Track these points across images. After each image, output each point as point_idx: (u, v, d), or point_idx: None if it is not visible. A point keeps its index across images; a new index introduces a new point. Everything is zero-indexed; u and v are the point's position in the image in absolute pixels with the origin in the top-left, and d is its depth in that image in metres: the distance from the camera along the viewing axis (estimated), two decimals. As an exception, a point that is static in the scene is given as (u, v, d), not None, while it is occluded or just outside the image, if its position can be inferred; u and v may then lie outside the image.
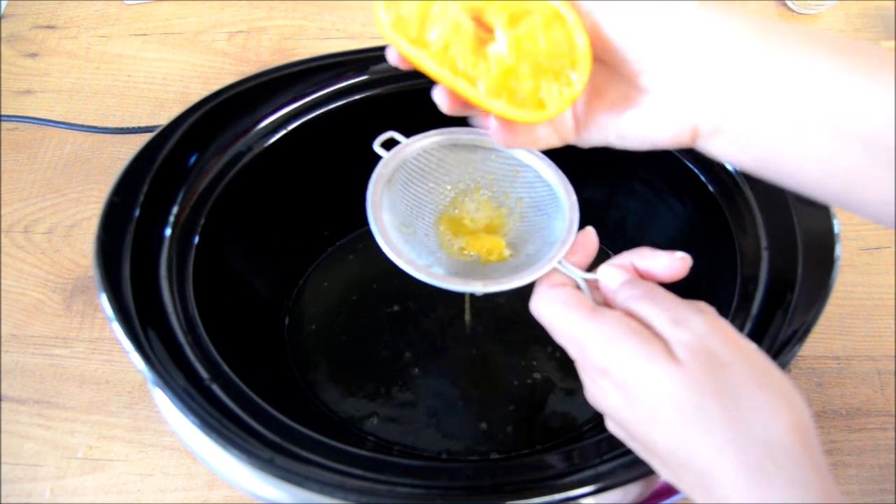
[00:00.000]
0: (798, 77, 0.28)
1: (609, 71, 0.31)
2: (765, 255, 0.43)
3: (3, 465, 0.52)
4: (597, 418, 0.49)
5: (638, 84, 0.31)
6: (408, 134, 0.38)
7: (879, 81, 0.27)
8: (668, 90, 0.30)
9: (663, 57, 0.29)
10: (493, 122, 0.32)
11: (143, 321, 0.39)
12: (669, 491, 0.38)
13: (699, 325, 0.29)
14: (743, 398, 0.27)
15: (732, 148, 0.31)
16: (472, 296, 0.56)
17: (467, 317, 0.56)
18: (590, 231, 0.36)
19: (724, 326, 0.30)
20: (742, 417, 0.27)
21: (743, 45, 0.28)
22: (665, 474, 0.31)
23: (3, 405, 0.54)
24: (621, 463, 0.36)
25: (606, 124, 0.33)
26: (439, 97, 0.31)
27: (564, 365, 0.53)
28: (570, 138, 0.34)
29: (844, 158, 0.28)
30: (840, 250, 0.42)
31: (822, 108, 0.28)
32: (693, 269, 0.33)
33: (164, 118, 0.62)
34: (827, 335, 0.56)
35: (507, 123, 0.32)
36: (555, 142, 0.34)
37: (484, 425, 0.51)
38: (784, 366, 0.39)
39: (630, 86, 0.31)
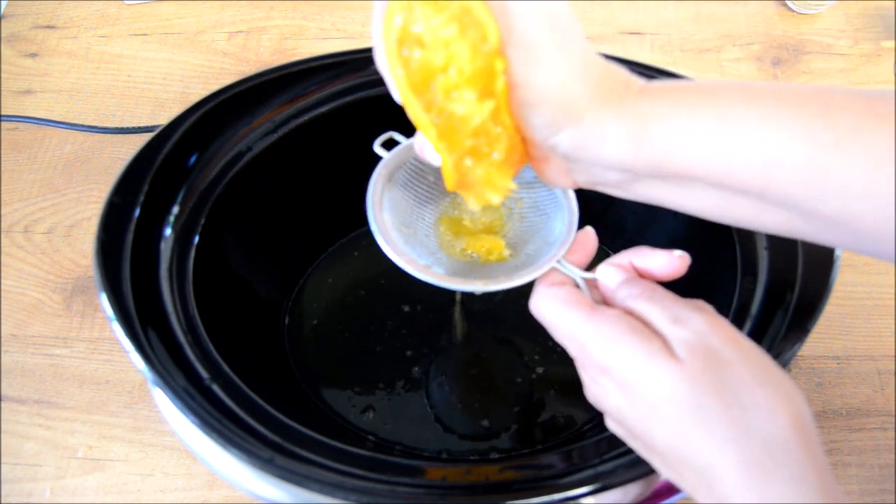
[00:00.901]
0: (672, 150, 0.28)
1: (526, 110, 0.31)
2: (765, 255, 0.43)
3: (3, 465, 0.52)
4: (597, 418, 0.49)
5: (532, 136, 0.31)
6: (408, 134, 0.38)
7: (757, 129, 0.27)
8: (552, 151, 0.31)
9: (546, 124, 0.29)
10: None
11: (143, 321, 0.39)
12: (669, 490, 0.38)
13: (699, 323, 0.29)
14: (743, 396, 0.27)
15: (617, 194, 0.33)
16: (465, 299, 0.56)
17: (457, 321, 0.56)
18: (589, 231, 0.36)
19: (724, 324, 0.30)
20: (742, 415, 0.27)
21: (614, 139, 0.29)
22: (665, 472, 0.31)
23: (3, 405, 0.54)
24: (621, 463, 0.36)
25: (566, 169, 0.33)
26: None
27: (564, 364, 0.53)
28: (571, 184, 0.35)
29: (734, 204, 0.30)
30: (840, 250, 0.42)
31: (705, 166, 0.28)
32: (693, 269, 0.33)
33: (164, 118, 0.62)
34: (827, 335, 0.56)
35: None
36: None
37: (484, 424, 0.51)
38: (784, 366, 0.39)
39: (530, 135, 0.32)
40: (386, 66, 0.28)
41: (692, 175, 0.29)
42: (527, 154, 0.32)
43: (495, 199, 0.33)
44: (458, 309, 0.55)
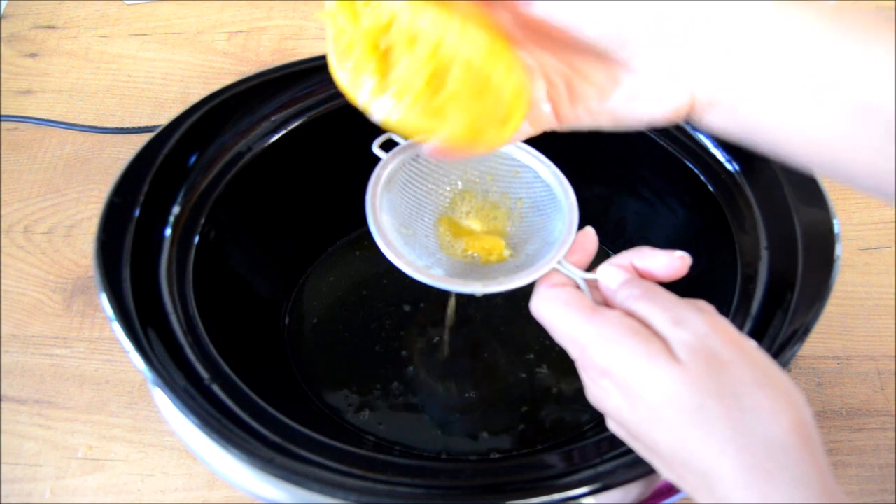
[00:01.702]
0: (787, 43, 0.27)
1: (592, 58, 0.30)
2: (765, 255, 0.43)
3: (3, 465, 0.52)
4: (597, 418, 0.49)
5: (626, 66, 0.30)
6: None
7: (871, 45, 0.26)
8: (658, 69, 0.30)
9: (649, 41, 0.28)
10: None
11: (143, 321, 0.39)
12: (670, 491, 0.38)
13: (699, 324, 0.29)
14: (744, 397, 0.27)
15: (726, 120, 0.30)
16: (460, 299, 0.56)
17: (449, 321, 0.55)
18: (589, 231, 0.36)
19: (725, 325, 0.30)
20: (743, 417, 0.27)
21: (730, 17, 0.28)
22: (666, 474, 0.31)
23: (3, 405, 0.54)
24: (621, 463, 0.36)
25: (598, 109, 0.32)
26: None
27: (565, 365, 0.53)
28: (551, 126, 0.33)
29: (834, 126, 0.28)
30: (840, 250, 0.42)
31: (812, 73, 0.27)
32: (693, 269, 0.33)
33: (164, 118, 0.62)
34: (827, 335, 0.56)
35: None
36: (530, 132, 0.33)
37: (484, 425, 0.51)
38: (784, 365, 0.39)
39: (617, 68, 0.31)
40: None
41: (796, 81, 0.28)
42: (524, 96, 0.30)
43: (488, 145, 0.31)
44: (452, 302, 0.55)
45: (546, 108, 0.32)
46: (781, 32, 0.27)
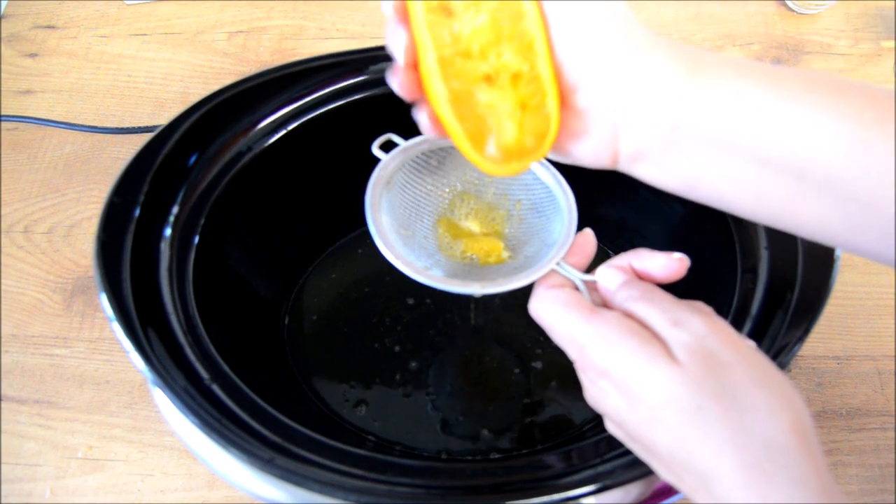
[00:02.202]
0: (722, 107, 0.28)
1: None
2: (765, 255, 0.43)
3: (3, 465, 0.52)
4: (597, 418, 0.49)
5: (573, 101, 0.31)
6: (407, 135, 0.38)
7: (806, 106, 0.27)
8: (597, 114, 0.31)
9: (595, 78, 0.30)
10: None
11: (143, 321, 0.39)
12: (669, 491, 0.38)
13: (698, 325, 0.29)
14: (742, 398, 0.27)
15: (655, 172, 0.32)
16: (476, 302, 0.56)
17: (473, 320, 0.56)
18: (588, 233, 0.36)
19: (723, 327, 0.30)
20: (741, 417, 0.27)
21: (667, 78, 0.29)
22: (665, 475, 0.31)
23: (3, 405, 0.54)
24: (621, 463, 0.36)
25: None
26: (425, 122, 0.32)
27: (564, 366, 0.53)
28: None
29: (772, 185, 0.29)
30: (840, 250, 0.42)
31: (747, 136, 0.28)
32: (693, 270, 0.33)
33: (164, 118, 0.62)
34: (827, 335, 0.56)
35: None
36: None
37: (484, 425, 0.51)
38: (784, 366, 0.39)
39: (568, 108, 0.31)
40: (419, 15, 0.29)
41: (736, 139, 0.28)
42: (559, 127, 0.31)
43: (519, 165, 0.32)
44: (472, 302, 0.55)
45: None
46: (710, 97, 0.28)
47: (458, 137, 0.30)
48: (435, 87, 0.29)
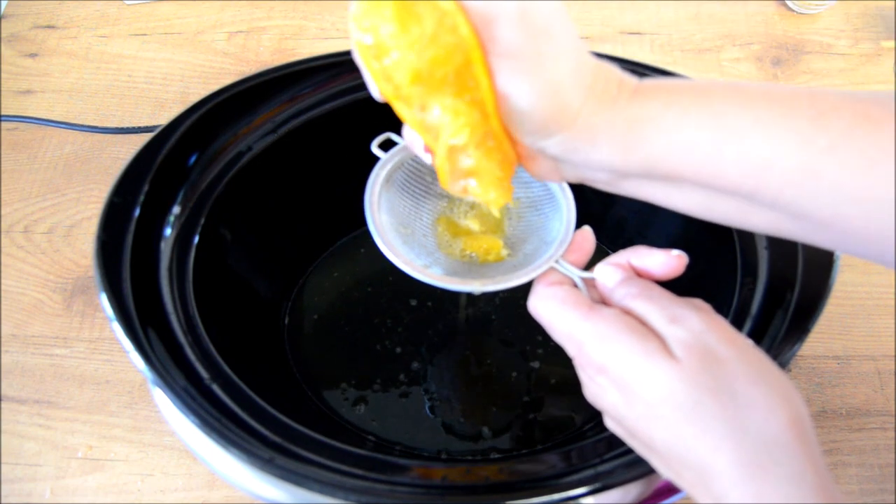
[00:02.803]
0: (665, 154, 0.28)
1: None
2: (765, 255, 0.43)
3: (3, 465, 0.52)
4: (596, 418, 0.49)
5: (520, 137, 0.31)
6: (406, 134, 0.38)
7: (751, 137, 0.27)
8: (540, 148, 0.31)
9: (536, 138, 0.30)
10: None
11: (143, 321, 0.39)
12: (669, 490, 0.38)
13: (695, 322, 0.29)
14: (739, 394, 0.28)
15: (606, 188, 0.33)
16: (469, 296, 0.56)
17: (462, 315, 0.56)
18: (587, 230, 0.36)
19: (721, 323, 0.30)
20: (739, 413, 0.27)
21: (606, 139, 0.29)
22: (664, 471, 0.31)
23: (3, 405, 0.54)
24: (621, 463, 0.36)
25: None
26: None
27: (564, 364, 0.53)
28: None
29: (723, 204, 0.30)
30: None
31: (696, 175, 0.28)
32: (693, 269, 0.33)
33: (164, 118, 0.62)
34: (827, 335, 0.56)
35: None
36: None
37: (484, 424, 0.51)
38: (784, 365, 0.39)
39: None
40: (362, 66, 0.28)
41: (682, 177, 0.29)
42: (516, 156, 0.32)
43: (494, 205, 0.34)
44: (462, 299, 0.55)
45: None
46: (659, 129, 0.28)
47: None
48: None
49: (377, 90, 0.29)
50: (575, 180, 0.33)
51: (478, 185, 0.33)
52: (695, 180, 0.29)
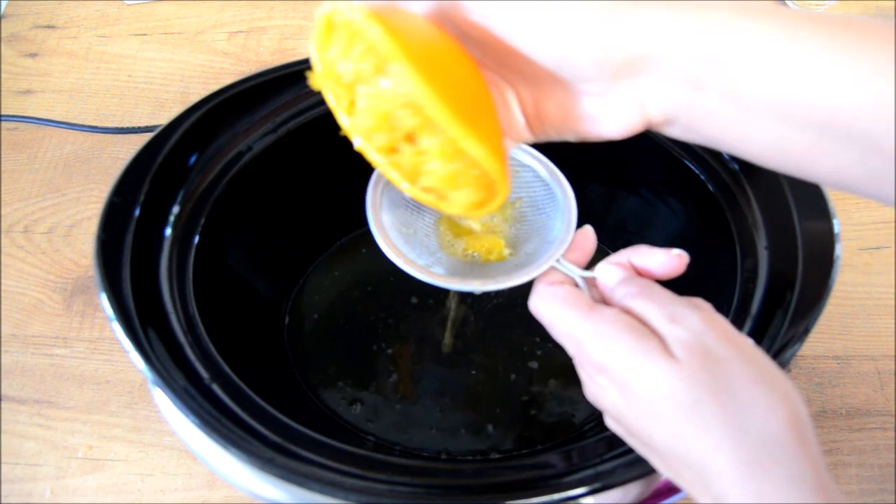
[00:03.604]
0: (741, 62, 0.27)
1: (550, 79, 0.31)
2: (765, 255, 0.43)
3: (3, 465, 0.52)
4: (597, 417, 0.49)
5: (579, 89, 0.30)
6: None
7: (828, 56, 0.26)
8: (613, 94, 0.30)
9: (596, 68, 0.29)
10: None
11: (143, 321, 0.39)
12: (669, 490, 0.38)
13: (696, 321, 0.29)
14: (739, 394, 0.28)
15: (683, 134, 0.31)
16: (475, 296, 0.56)
17: (452, 314, 0.55)
18: (588, 230, 0.36)
19: (721, 323, 0.30)
20: (739, 413, 0.27)
21: (682, 40, 0.27)
22: (664, 471, 0.31)
23: (3, 405, 0.54)
24: (621, 462, 0.36)
25: (560, 126, 0.32)
26: None
27: (564, 364, 0.53)
28: (527, 138, 0.34)
29: (795, 141, 0.28)
30: (840, 250, 0.42)
31: (769, 92, 0.27)
32: (693, 269, 0.33)
33: (164, 118, 0.62)
34: (827, 335, 0.56)
35: None
36: (511, 145, 0.34)
37: (484, 424, 0.51)
38: (784, 365, 0.39)
39: (572, 89, 0.31)
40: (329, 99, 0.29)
41: (757, 97, 0.27)
42: (505, 181, 0.31)
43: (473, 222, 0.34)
44: (452, 302, 0.55)
45: (521, 121, 0.33)
46: (732, 51, 0.27)
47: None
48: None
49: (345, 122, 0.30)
50: (660, 116, 0.30)
51: (455, 208, 0.33)
52: (770, 100, 0.27)
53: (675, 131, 0.31)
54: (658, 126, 0.31)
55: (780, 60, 0.26)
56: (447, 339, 0.55)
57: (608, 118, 0.31)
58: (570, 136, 0.33)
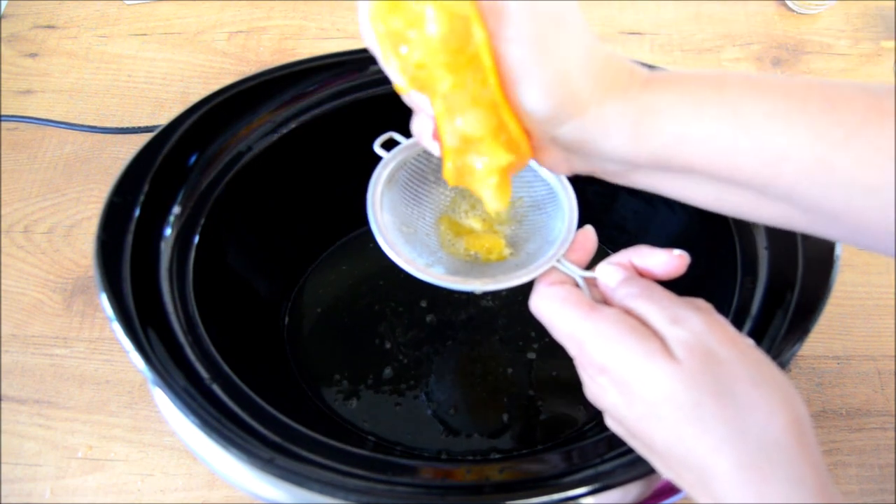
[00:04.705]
0: (677, 144, 0.28)
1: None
2: (765, 255, 0.43)
3: (3, 465, 0.52)
4: (597, 418, 0.49)
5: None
6: (408, 134, 0.38)
7: (765, 128, 0.27)
8: (548, 144, 0.31)
9: (547, 125, 0.29)
10: None
11: (143, 321, 0.39)
12: (669, 491, 0.38)
13: (696, 323, 0.29)
14: (740, 395, 0.28)
15: (614, 180, 0.33)
16: (471, 295, 0.56)
17: (474, 319, 0.56)
18: (588, 230, 0.36)
19: (722, 324, 0.30)
20: (739, 414, 0.27)
21: (617, 128, 0.29)
22: (664, 472, 0.31)
23: (3, 405, 0.54)
24: (621, 463, 0.36)
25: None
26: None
27: (565, 364, 0.53)
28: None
29: (735, 196, 0.30)
30: (840, 250, 0.42)
31: (707, 166, 0.28)
32: (693, 269, 0.33)
33: (164, 118, 0.62)
34: (827, 335, 0.56)
35: None
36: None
37: (484, 424, 0.51)
38: (784, 366, 0.39)
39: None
40: (379, 57, 0.29)
41: (694, 168, 0.29)
42: (529, 149, 0.32)
43: (492, 202, 0.33)
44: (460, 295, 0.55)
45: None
46: (679, 132, 0.28)
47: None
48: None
49: (395, 75, 0.29)
50: (586, 172, 0.33)
51: (482, 172, 0.32)
52: (707, 172, 0.29)
53: (606, 177, 0.33)
54: (588, 174, 0.33)
55: (720, 131, 0.27)
56: (448, 335, 0.55)
57: (541, 156, 0.32)
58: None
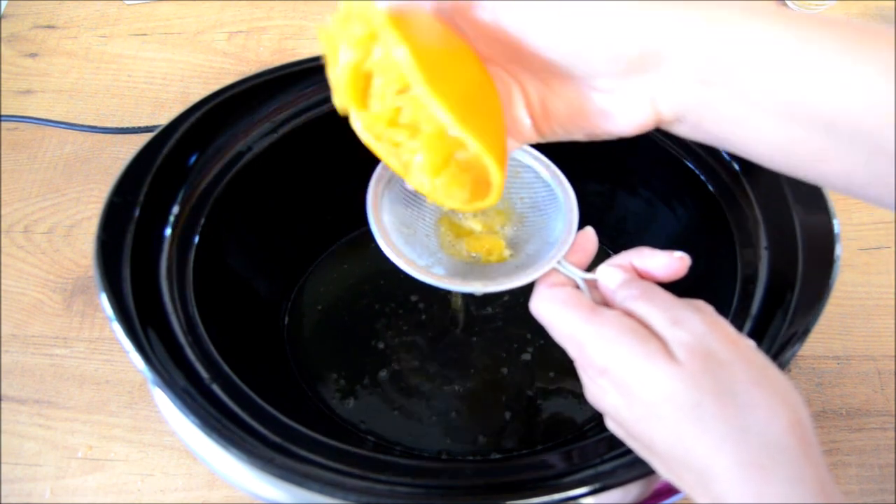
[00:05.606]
0: (751, 61, 0.27)
1: (560, 76, 0.31)
2: (765, 255, 0.43)
3: (3, 465, 0.52)
4: (597, 418, 0.49)
5: (590, 85, 0.30)
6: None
7: (834, 57, 0.26)
8: (620, 90, 0.30)
9: (607, 63, 0.29)
10: None
11: (143, 321, 0.39)
12: (669, 491, 0.38)
13: (697, 324, 0.29)
14: (740, 396, 0.28)
15: (691, 132, 0.31)
16: (471, 296, 0.56)
17: (460, 314, 0.56)
18: (589, 231, 0.36)
19: (722, 325, 0.30)
20: (740, 415, 0.27)
21: (694, 38, 0.27)
22: (664, 473, 0.31)
23: (3, 405, 0.54)
24: (621, 463, 0.36)
25: (569, 125, 0.32)
26: None
27: (565, 365, 0.53)
28: (532, 139, 0.34)
29: (802, 141, 0.28)
30: (840, 250, 0.42)
31: (777, 91, 0.27)
32: (693, 269, 0.33)
33: (164, 118, 0.62)
34: (827, 335, 0.56)
35: None
36: (515, 146, 0.34)
37: (484, 425, 0.51)
38: (784, 366, 0.39)
39: (583, 86, 0.31)
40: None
41: (765, 95, 0.27)
42: (501, 173, 0.31)
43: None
44: (459, 300, 0.55)
45: (527, 122, 0.33)
46: (742, 50, 0.27)
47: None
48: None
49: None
50: (671, 114, 0.30)
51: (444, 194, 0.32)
52: (778, 98, 0.27)
53: (684, 129, 0.31)
54: (667, 124, 0.31)
55: (789, 60, 0.26)
56: (448, 335, 0.55)
57: (619, 114, 0.31)
58: (579, 135, 0.33)
